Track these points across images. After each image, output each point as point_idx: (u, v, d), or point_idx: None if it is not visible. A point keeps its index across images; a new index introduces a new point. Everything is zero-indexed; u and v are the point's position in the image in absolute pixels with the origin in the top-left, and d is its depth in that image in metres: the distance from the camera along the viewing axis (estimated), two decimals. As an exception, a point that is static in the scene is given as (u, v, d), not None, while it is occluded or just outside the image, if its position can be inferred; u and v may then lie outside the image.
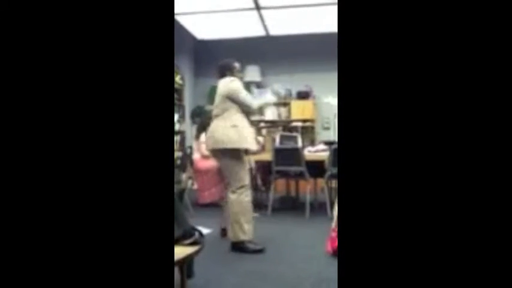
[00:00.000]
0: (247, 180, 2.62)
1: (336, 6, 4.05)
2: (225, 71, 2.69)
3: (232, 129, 2.54)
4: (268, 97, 2.79)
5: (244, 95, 2.59)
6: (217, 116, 2.62)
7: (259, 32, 5.00)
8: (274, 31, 5.03)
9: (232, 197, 2.59)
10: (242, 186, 2.59)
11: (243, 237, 2.57)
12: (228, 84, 2.60)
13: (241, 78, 2.76)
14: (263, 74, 5.89)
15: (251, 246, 2.58)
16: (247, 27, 4.82)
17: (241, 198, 2.58)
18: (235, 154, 2.56)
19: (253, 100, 2.65)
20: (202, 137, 3.15)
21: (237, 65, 2.74)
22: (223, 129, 2.55)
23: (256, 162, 4.12)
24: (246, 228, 2.57)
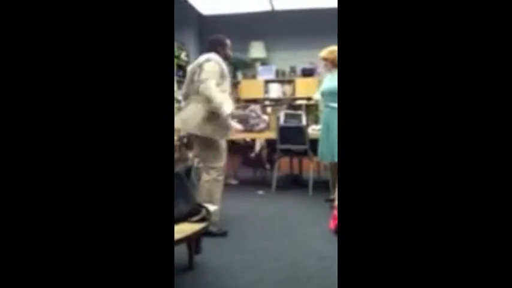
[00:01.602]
0: (219, 162, 2.58)
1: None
2: (216, 46, 2.56)
3: (206, 120, 2.46)
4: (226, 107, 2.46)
5: (209, 81, 2.39)
6: (191, 98, 2.54)
7: (265, 6, 4.91)
8: (280, 6, 4.93)
9: (204, 177, 2.58)
10: (213, 168, 2.56)
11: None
12: (202, 62, 2.47)
13: (229, 58, 2.64)
14: (268, 50, 5.82)
15: (214, 229, 2.45)
16: (252, 1, 4.73)
17: (212, 178, 2.55)
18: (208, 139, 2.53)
19: (217, 94, 2.40)
20: None
21: (228, 41, 2.63)
22: (195, 115, 2.48)
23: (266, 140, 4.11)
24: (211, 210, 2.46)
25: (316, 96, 3.59)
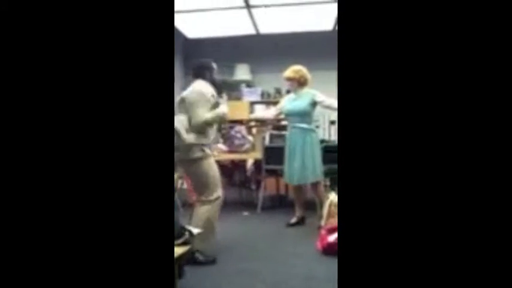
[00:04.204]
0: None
1: (327, 5, 4.07)
2: (203, 71, 2.47)
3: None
4: (221, 108, 2.45)
5: (200, 107, 2.37)
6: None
7: (250, 30, 5.00)
8: (265, 29, 5.03)
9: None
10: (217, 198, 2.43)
11: (197, 246, 2.32)
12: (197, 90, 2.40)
13: (216, 82, 2.52)
14: (253, 72, 5.89)
15: (201, 258, 2.36)
16: (237, 25, 4.82)
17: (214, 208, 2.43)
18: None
19: (206, 114, 2.38)
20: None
21: (214, 65, 2.52)
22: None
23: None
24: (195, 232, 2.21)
25: (274, 111, 3.57)
